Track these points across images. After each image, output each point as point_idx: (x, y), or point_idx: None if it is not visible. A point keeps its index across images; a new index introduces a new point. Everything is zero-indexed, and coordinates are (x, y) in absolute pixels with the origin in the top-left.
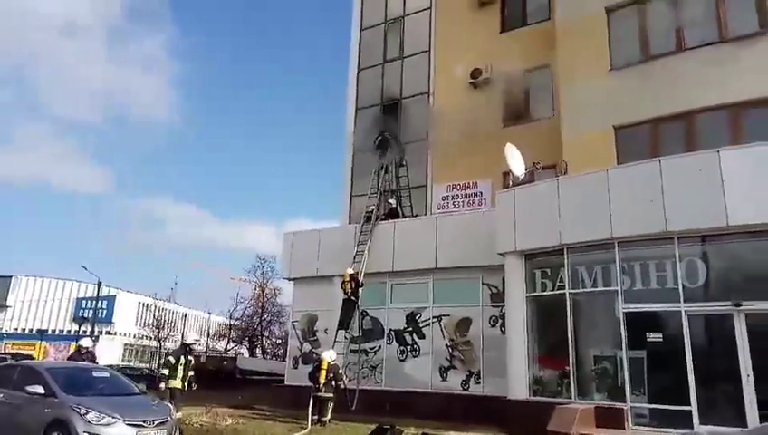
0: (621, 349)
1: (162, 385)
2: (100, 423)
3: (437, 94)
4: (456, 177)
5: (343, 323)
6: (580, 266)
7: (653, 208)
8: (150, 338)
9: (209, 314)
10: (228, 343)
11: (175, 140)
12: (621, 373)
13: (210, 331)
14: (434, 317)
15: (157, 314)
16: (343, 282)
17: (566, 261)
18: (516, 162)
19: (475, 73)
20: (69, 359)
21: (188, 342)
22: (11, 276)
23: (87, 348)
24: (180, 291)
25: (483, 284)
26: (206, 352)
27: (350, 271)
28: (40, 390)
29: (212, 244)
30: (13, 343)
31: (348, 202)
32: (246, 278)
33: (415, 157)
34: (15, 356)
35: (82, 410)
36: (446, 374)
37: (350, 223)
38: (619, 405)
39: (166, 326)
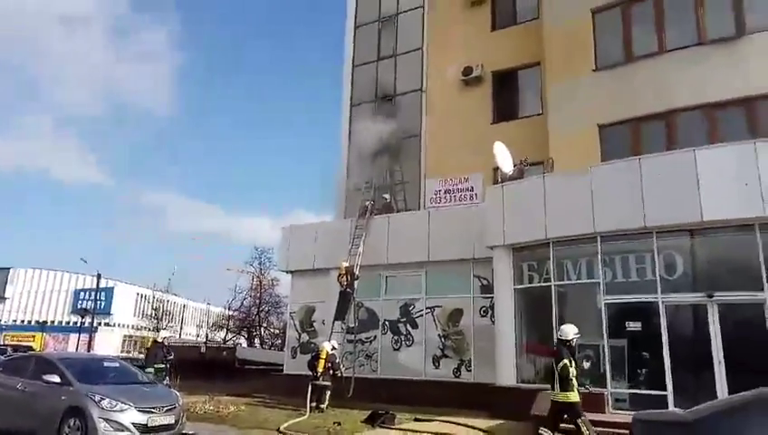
0: (603, 338)
1: (572, 397)
2: (114, 410)
3: (430, 91)
4: (448, 172)
5: (340, 315)
6: (566, 260)
7: (633, 204)
8: (149, 329)
9: (208, 304)
10: (227, 333)
11: (176, 131)
12: (603, 361)
13: (209, 322)
14: (427, 308)
15: (155, 304)
16: (339, 275)
17: (552, 254)
18: (505, 159)
19: (467, 71)
20: (149, 351)
21: (569, 337)
22: (9, 268)
23: (164, 340)
24: (179, 282)
25: (473, 276)
26: (205, 343)
27: (346, 264)
28: (56, 379)
29: (211, 236)
30: (12, 335)
31: (343, 196)
32: (243, 269)
33: (409, 152)
34: (17, 348)
35: (97, 398)
36: (439, 363)
37: (345, 217)
38: (600, 391)
39: (164, 317)
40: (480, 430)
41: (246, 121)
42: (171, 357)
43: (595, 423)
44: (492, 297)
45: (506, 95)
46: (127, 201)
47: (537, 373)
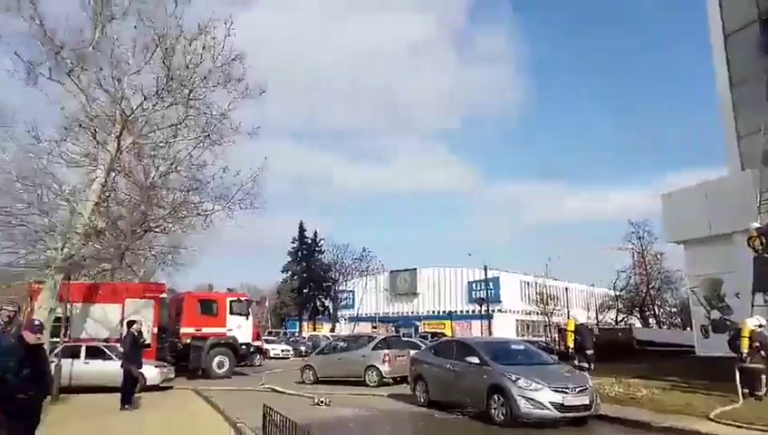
0: None
1: None
2: (530, 388)
3: None
4: None
5: (760, 285)
6: None
7: None
8: (537, 313)
9: (591, 286)
10: (617, 314)
11: (527, 123)
12: None
13: (595, 303)
14: None
15: (538, 290)
16: (750, 238)
17: None
18: None
19: None
20: (580, 334)
21: None
22: (416, 269)
23: (585, 323)
24: (557, 266)
25: None
26: (597, 325)
27: (757, 224)
28: (476, 360)
29: (578, 216)
30: (428, 324)
31: (734, 145)
32: (621, 247)
33: None
34: (434, 335)
35: (513, 377)
36: None
37: (742, 168)
38: None
39: (549, 301)
40: None
41: (594, 96)
42: (594, 340)
43: None
44: None
45: None
46: (495, 197)
47: None
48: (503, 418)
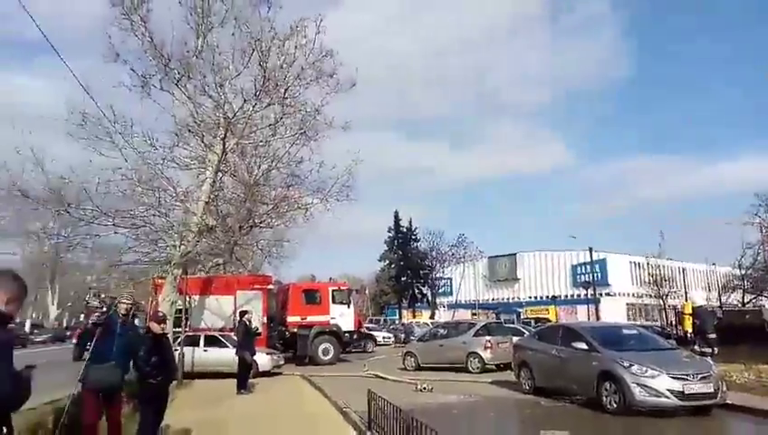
0: None
1: None
2: (645, 375)
3: None
4: None
5: None
6: None
7: None
8: (650, 296)
9: (713, 265)
10: (744, 294)
11: (632, 92)
12: None
13: (717, 283)
14: None
15: (651, 271)
16: None
17: None
18: None
19: None
20: (699, 316)
21: None
22: (515, 254)
23: (705, 306)
24: (672, 245)
25: None
26: (720, 307)
27: None
28: (583, 346)
29: (693, 191)
30: (530, 310)
31: None
32: (747, 221)
33: None
34: (537, 320)
35: (626, 364)
36: None
37: None
38: None
39: (664, 283)
40: None
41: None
42: (716, 323)
43: None
44: None
45: None
46: (599, 175)
47: None
48: (615, 406)
